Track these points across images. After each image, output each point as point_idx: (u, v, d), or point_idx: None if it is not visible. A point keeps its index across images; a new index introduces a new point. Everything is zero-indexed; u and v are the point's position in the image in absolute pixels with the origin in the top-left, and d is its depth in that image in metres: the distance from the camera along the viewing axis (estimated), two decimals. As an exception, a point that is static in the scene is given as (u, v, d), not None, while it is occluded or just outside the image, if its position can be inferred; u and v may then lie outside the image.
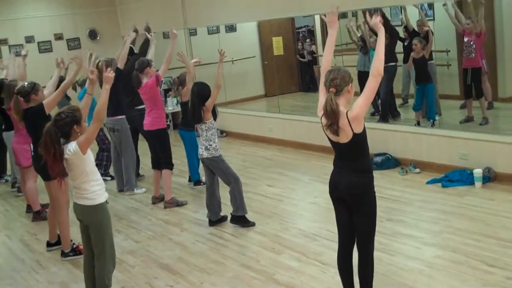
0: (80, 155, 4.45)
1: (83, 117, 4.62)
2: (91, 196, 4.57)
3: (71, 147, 4.45)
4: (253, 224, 6.44)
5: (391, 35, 9.10)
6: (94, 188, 4.59)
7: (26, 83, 6.23)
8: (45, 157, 4.47)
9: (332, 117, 3.89)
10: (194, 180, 8.26)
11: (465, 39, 8.65)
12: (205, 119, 6.29)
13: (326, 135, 4.08)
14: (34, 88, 6.15)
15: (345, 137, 3.94)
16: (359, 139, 3.95)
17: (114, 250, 4.86)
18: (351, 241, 4.24)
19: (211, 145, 6.31)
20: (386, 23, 9.05)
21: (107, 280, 4.76)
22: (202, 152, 6.37)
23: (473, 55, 8.52)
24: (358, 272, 4.23)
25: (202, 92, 6.33)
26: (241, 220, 6.45)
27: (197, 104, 6.30)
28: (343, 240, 4.28)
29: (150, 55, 7.99)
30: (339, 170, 4.12)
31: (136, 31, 8.86)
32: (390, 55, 9.22)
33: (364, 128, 3.97)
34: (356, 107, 3.90)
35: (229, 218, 6.58)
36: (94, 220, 4.65)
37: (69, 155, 4.45)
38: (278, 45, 13.41)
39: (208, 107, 6.29)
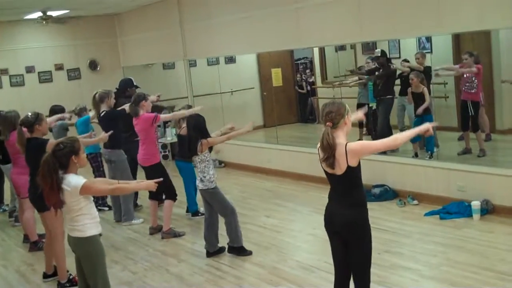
0: (77, 192, 4.45)
1: (81, 148, 4.64)
2: (82, 228, 4.58)
3: (72, 180, 4.47)
4: (250, 253, 6.42)
5: (388, 75, 9.29)
6: (86, 221, 4.58)
7: (29, 114, 6.26)
8: (42, 186, 4.49)
9: (328, 150, 3.95)
10: (192, 211, 8.24)
11: (465, 75, 8.73)
12: (199, 151, 6.30)
13: (322, 167, 4.13)
14: (38, 118, 6.19)
15: (339, 169, 3.98)
16: (353, 172, 4.00)
17: (108, 281, 4.81)
18: (347, 274, 4.23)
19: (205, 177, 6.33)
20: (383, 66, 9.30)
21: None
22: (198, 184, 6.42)
23: (475, 90, 8.60)
24: None
25: (198, 124, 6.38)
26: (238, 250, 6.44)
27: (193, 137, 6.33)
28: (339, 273, 4.28)
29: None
30: (334, 204, 4.17)
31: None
32: (387, 89, 9.35)
33: (359, 163, 4.02)
34: (360, 144, 4.01)
35: (226, 248, 6.55)
36: (86, 252, 4.66)
37: (68, 188, 4.46)
38: (277, 76, 13.50)
39: (209, 142, 6.32)
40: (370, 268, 4.18)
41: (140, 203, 8.97)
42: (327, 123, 3.98)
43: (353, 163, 3.96)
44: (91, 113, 8.58)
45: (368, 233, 4.13)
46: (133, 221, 8.19)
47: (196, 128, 6.34)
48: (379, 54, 9.53)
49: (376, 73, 9.67)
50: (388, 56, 9.65)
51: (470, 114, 8.70)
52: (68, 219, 4.63)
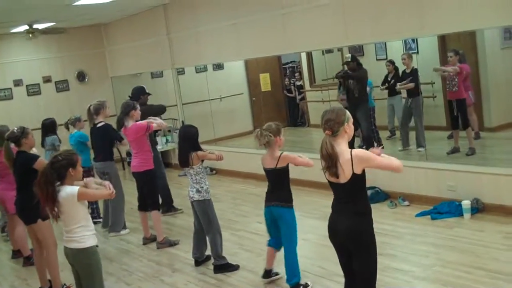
0: (74, 200, 4.53)
1: (79, 161, 4.71)
2: (80, 239, 4.62)
3: (67, 189, 4.55)
4: (237, 267, 6.35)
5: (358, 81, 9.37)
6: (84, 232, 4.64)
7: (15, 128, 6.26)
8: (38, 196, 4.56)
9: (328, 160, 3.91)
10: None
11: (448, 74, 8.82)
12: (193, 164, 6.25)
13: (325, 176, 4.07)
14: (24, 132, 6.19)
15: (343, 177, 3.91)
16: (358, 180, 3.93)
17: None
18: (356, 284, 4.18)
19: (202, 187, 6.27)
20: (354, 71, 9.35)
21: None
22: (193, 195, 6.30)
23: (456, 88, 8.68)
24: None
25: (189, 136, 6.32)
26: (224, 267, 6.34)
27: (184, 149, 6.30)
28: (349, 284, 4.24)
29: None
30: (337, 214, 4.09)
31: None
32: (361, 96, 9.39)
33: (364, 171, 3.96)
34: (366, 153, 3.96)
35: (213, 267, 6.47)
36: (84, 263, 4.69)
37: (63, 198, 4.53)
38: (265, 81, 13.54)
39: (199, 156, 6.27)
40: (375, 279, 4.12)
41: (181, 209, 8.94)
42: (326, 132, 3.95)
43: (358, 170, 3.90)
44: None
45: (372, 243, 4.05)
46: (121, 232, 8.20)
47: (187, 140, 6.30)
48: (349, 59, 9.56)
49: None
50: (359, 61, 9.67)
51: (455, 114, 8.77)
52: (66, 231, 4.67)
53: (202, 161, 6.38)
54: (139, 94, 8.87)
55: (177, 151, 6.58)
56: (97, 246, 4.82)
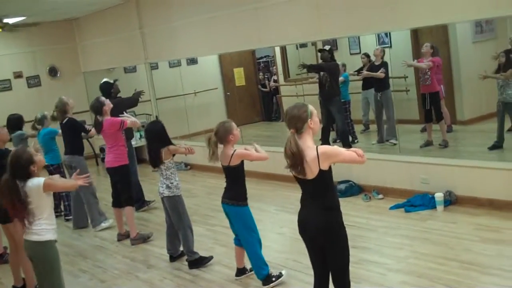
0: (40, 191, 4.60)
1: (33, 152, 4.74)
2: (39, 232, 4.68)
3: (33, 181, 4.61)
4: (211, 258, 6.37)
5: (330, 74, 9.31)
6: (44, 226, 4.70)
7: None
8: (4, 205, 4.67)
9: (292, 159, 3.89)
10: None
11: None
12: (164, 159, 6.19)
13: (291, 173, 4.07)
14: None
15: (310, 174, 3.90)
16: (325, 176, 3.93)
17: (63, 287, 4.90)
18: (326, 278, 4.20)
19: (172, 183, 6.23)
20: (325, 61, 9.31)
21: None
22: (163, 191, 6.26)
23: (429, 81, 8.76)
24: None
25: (156, 134, 6.25)
26: (198, 261, 6.31)
27: (153, 147, 6.23)
28: (319, 279, 4.24)
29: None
30: (306, 209, 4.09)
31: None
32: (335, 89, 9.38)
33: (330, 167, 3.96)
34: (331, 148, 3.95)
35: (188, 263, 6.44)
36: (41, 257, 4.75)
37: (30, 189, 4.60)
38: (239, 76, 13.55)
39: (171, 150, 6.23)
40: (348, 271, 4.14)
41: (153, 200, 8.92)
42: (291, 130, 3.93)
43: (325, 166, 3.89)
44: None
45: (344, 236, 4.04)
46: (103, 224, 8.15)
47: (155, 137, 6.23)
48: (327, 49, 9.49)
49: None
50: (333, 54, 9.62)
51: (427, 108, 8.86)
52: (28, 222, 4.70)
53: (173, 155, 6.34)
54: (108, 89, 8.76)
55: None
56: (55, 241, 4.84)
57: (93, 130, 8.02)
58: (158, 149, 6.18)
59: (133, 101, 8.98)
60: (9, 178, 4.61)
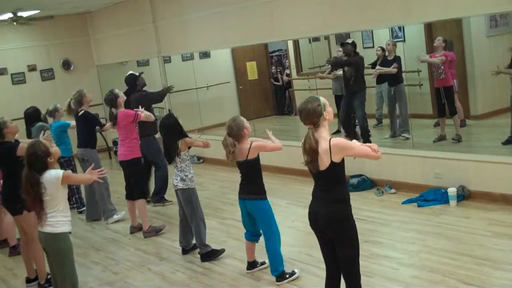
0: (58, 183, 4.67)
1: (48, 144, 4.80)
2: (54, 224, 4.74)
3: (52, 173, 4.68)
4: (223, 251, 6.39)
5: (355, 69, 9.17)
6: (59, 218, 4.76)
7: None
8: (27, 200, 4.77)
9: (311, 154, 3.91)
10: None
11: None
12: (181, 150, 6.20)
13: (307, 167, 4.07)
14: (1, 123, 6.12)
15: (322, 165, 3.92)
16: (336, 168, 3.93)
17: (77, 278, 4.98)
18: (338, 272, 4.20)
19: (187, 175, 6.24)
20: (349, 55, 9.21)
21: None
22: (178, 183, 6.27)
23: (443, 76, 8.71)
24: None
25: (169, 125, 6.28)
26: (210, 254, 6.34)
27: (168, 140, 6.26)
28: (330, 271, 4.25)
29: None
30: (317, 201, 4.10)
31: None
32: (360, 82, 9.26)
33: (343, 160, 3.96)
34: (344, 142, 3.93)
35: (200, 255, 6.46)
36: (55, 248, 4.81)
37: (47, 180, 4.65)
38: (252, 69, 13.51)
39: (187, 142, 6.26)
40: (358, 264, 4.13)
41: (171, 201, 8.74)
42: (308, 126, 3.94)
43: (336, 159, 3.90)
44: (72, 122, 8.47)
45: (353, 229, 4.06)
46: (115, 216, 8.19)
47: (171, 131, 6.23)
48: (349, 42, 9.31)
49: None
50: (356, 47, 9.37)
51: (442, 102, 8.81)
52: (43, 214, 4.76)
53: (189, 148, 6.35)
54: (133, 82, 8.71)
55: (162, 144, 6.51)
56: (70, 233, 4.89)
57: (108, 124, 8.03)
58: (174, 141, 6.19)
59: (158, 97, 8.90)
60: (28, 172, 4.66)
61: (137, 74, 8.88)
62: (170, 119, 6.38)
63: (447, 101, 8.83)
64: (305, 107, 3.98)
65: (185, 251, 6.59)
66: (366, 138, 9.05)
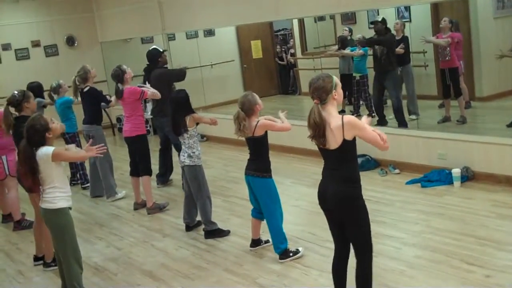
0: (48, 160, 4.66)
1: (49, 120, 4.77)
2: (52, 200, 4.76)
3: (42, 150, 4.67)
4: (228, 232, 6.40)
5: (388, 47, 8.95)
6: (57, 194, 4.77)
7: (16, 92, 6.23)
8: (20, 170, 4.78)
9: (315, 128, 3.88)
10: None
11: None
12: (188, 126, 6.19)
13: (314, 143, 4.05)
14: (25, 96, 6.18)
15: (334, 143, 3.89)
16: (348, 147, 3.90)
17: (80, 253, 5.00)
18: (346, 251, 4.20)
19: (194, 152, 6.24)
20: (380, 33, 9.05)
21: (76, 283, 4.92)
22: (184, 160, 6.26)
23: (449, 57, 8.67)
24: (356, 281, 4.15)
25: (179, 99, 6.26)
26: (215, 232, 6.36)
27: (176, 115, 6.22)
28: (339, 251, 4.24)
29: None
30: (326, 180, 4.07)
31: None
32: (390, 64, 8.98)
33: (355, 138, 3.93)
34: (357, 121, 3.88)
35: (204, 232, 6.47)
36: (55, 224, 4.83)
37: (39, 157, 4.66)
38: (256, 48, 13.48)
39: (195, 118, 6.24)
40: (371, 246, 4.11)
41: (171, 178, 8.80)
42: (315, 100, 3.92)
43: (349, 136, 3.86)
44: (75, 98, 8.42)
45: (363, 209, 4.02)
46: (117, 195, 8.21)
47: (180, 106, 6.20)
48: (379, 20, 9.02)
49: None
50: (387, 24, 9.07)
51: (448, 83, 8.77)
52: (41, 191, 4.81)
53: (197, 124, 6.35)
54: (155, 58, 8.45)
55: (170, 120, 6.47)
56: (70, 208, 4.91)
57: (113, 100, 7.97)
58: (182, 116, 6.18)
59: (179, 73, 8.46)
60: (26, 144, 4.68)
61: (161, 50, 8.64)
62: (180, 94, 6.36)
63: (452, 82, 8.79)
64: (316, 81, 3.96)
65: (189, 228, 6.62)
66: (400, 121, 8.76)
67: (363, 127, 3.92)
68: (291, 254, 5.55)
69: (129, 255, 6.18)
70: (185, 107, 6.22)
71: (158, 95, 7.59)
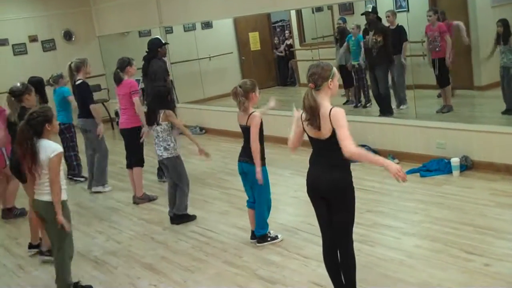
0: (50, 156, 4.67)
1: (54, 116, 4.82)
2: (50, 193, 4.75)
3: (51, 144, 4.70)
4: (194, 217, 6.61)
5: (383, 32, 9.00)
6: None
7: (18, 84, 6.26)
8: (17, 152, 4.78)
9: (310, 112, 3.90)
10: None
11: (429, 33, 8.81)
12: (161, 120, 6.32)
13: (305, 131, 4.08)
14: (27, 88, 6.20)
15: (325, 132, 3.91)
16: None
17: (73, 246, 5.05)
18: (334, 240, 4.22)
19: (169, 145, 6.39)
20: (373, 24, 9.03)
21: (66, 274, 4.97)
22: (162, 153, 6.43)
23: (439, 48, 8.69)
24: (340, 265, 4.23)
25: (158, 95, 6.40)
26: (183, 217, 6.57)
27: (152, 107, 6.37)
28: (327, 237, 4.25)
29: None
30: (317, 167, 4.10)
31: None
32: (386, 54, 9.07)
33: None
34: (342, 117, 3.83)
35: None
36: (53, 216, 4.78)
37: (44, 147, 4.68)
38: (254, 40, 13.44)
39: (167, 114, 6.35)
40: (352, 229, 4.16)
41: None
42: (310, 84, 3.93)
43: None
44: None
45: (352, 195, 4.08)
46: (101, 187, 8.27)
47: (156, 99, 6.34)
48: (370, 10, 9.04)
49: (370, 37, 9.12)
50: (378, 14, 9.13)
51: (435, 73, 8.79)
52: (39, 183, 4.81)
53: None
54: (156, 47, 8.35)
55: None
56: (66, 201, 4.92)
57: (95, 106, 8.08)
58: (158, 109, 6.32)
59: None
60: (25, 126, 4.68)
61: (163, 41, 8.61)
62: (159, 87, 6.52)
63: (439, 71, 8.80)
64: (315, 67, 3.98)
65: (173, 220, 6.67)
66: (384, 108, 8.99)
67: (342, 125, 3.85)
68: (268, 239, 5.71)
69: (129, 248, 6.18)
70: (163, 101, 6.35)
71: (141, 109, 7.44)
